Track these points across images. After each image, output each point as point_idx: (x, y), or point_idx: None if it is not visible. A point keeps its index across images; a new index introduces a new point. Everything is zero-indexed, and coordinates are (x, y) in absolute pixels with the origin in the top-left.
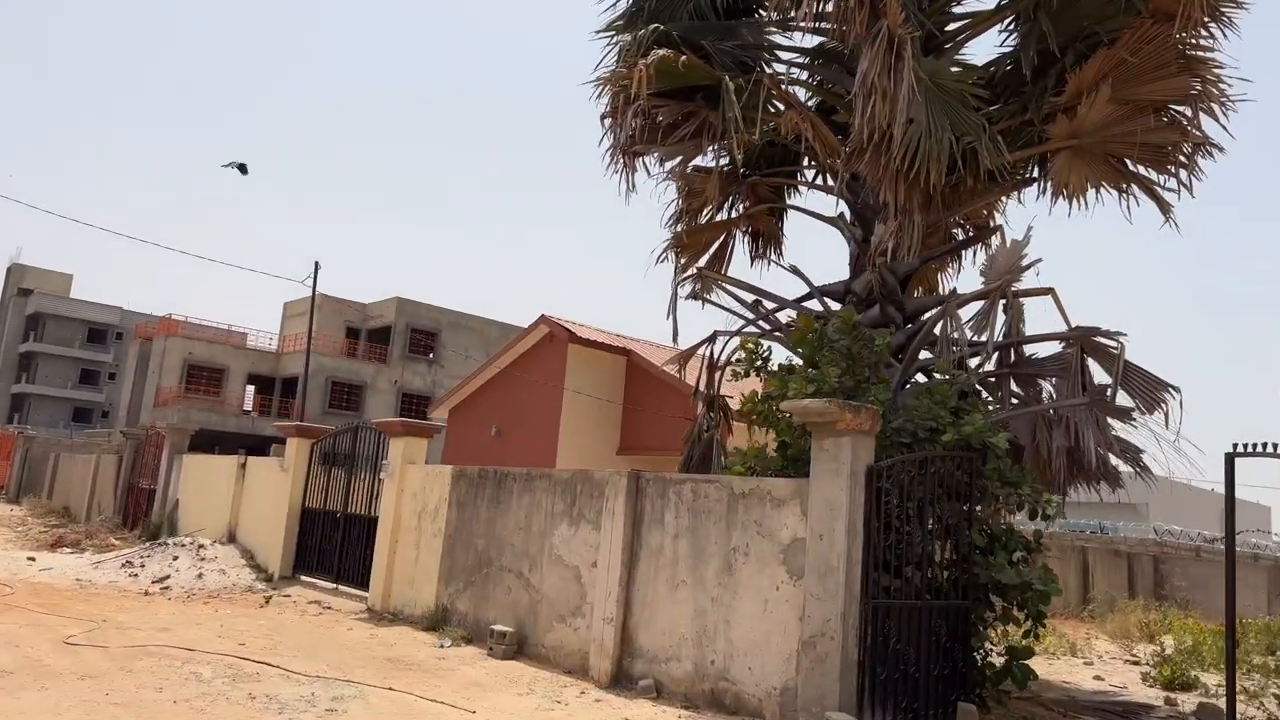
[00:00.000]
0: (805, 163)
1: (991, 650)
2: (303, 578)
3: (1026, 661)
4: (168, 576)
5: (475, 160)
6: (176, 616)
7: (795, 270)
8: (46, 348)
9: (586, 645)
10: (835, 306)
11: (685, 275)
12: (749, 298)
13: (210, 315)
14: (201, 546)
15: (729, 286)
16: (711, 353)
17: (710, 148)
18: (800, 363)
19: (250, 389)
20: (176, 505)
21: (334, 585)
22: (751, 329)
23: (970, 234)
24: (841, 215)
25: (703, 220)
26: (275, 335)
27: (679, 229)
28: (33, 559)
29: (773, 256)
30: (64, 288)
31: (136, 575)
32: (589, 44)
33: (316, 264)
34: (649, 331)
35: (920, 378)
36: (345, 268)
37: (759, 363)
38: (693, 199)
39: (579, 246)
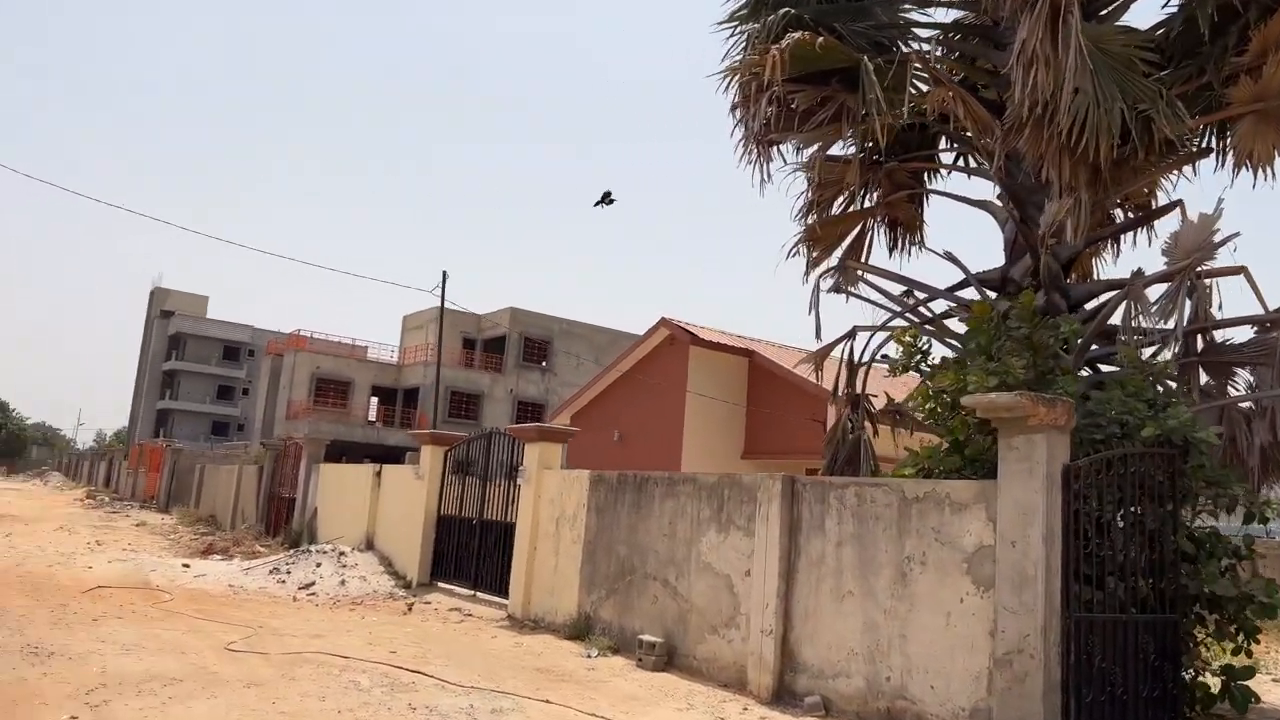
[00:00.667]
0: (946, 145)
1: (1204, 670)
2: (440, 584)
3: (1247, 683)
4: (313, 583)
5: (576, 167)
6: (326, 623)
7: (950, 257)
8: (187, 366)
9: (743, 658)
10: (991, 296)
11: (826, 268)
12: (896, 289)
13: (333, 331)
14: (342, 554)
15: (872, 278)
16: (851, 349)
17: (849, 133)
18: (956, 356)
19: (373, 400)
20: (315, 513)
21: (472, 592)
22: (899, 322)
23: (1132, 215)
24: (999, 197)
25: (835, 211)
26: (395, 348)
27: (810, 221)
28: (187, 566)
29: (912, 246)
30: (200, 309)
31: (284, 582)
32: (703, 43)
33: (444, 273)
34: (763, 333)
35: (1087, 370)
36: (459, 278)
37: (919, 357)
38: (824, 190)
39: (687, 253)
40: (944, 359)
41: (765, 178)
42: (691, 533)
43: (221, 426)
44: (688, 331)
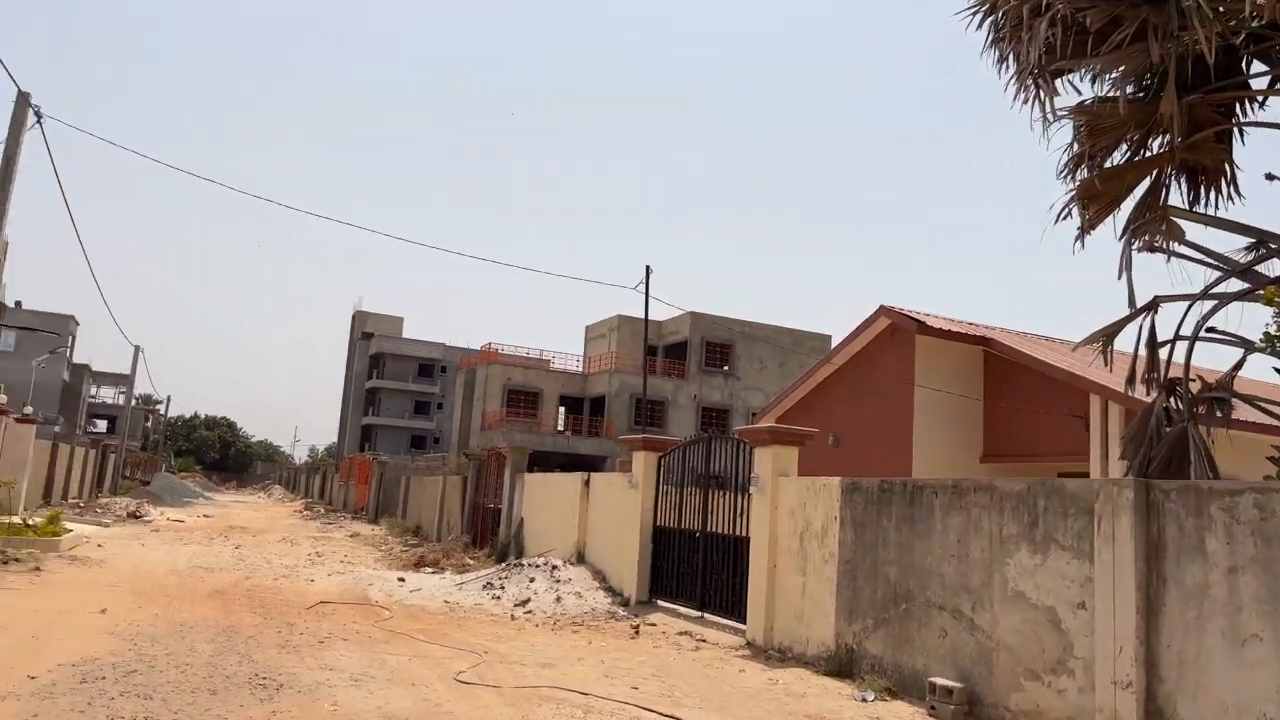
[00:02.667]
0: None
1: None
2: (660, 602)
3: None
4: (528, 600)
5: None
6: (552, 648)
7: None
8: (386, 383)
9: (1085, 714)
10: None
11: (1143, 221)
12: (1234, 244)
13: (519, 343)
14: (555, 568)
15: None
16: (1152, 325)
17: (1157, 54)
18: None
19: (561, 409)
20: (521, 524)
21: (699, 613)
22: (1228, 286)
23: None
24: None
25: (1115, 161)
26: (579, 357)
27: (1083, 177)
28: (402, 580)
29: (1216, 196)
30: (396, 329)
31: (498, 598)
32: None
33: (648, 269)
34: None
35: None
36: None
37: None
38: (1097, 138)
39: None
40: None
41: (1049, 116)
42: (991, 553)
43: (419, 439)
44: (913, 319)
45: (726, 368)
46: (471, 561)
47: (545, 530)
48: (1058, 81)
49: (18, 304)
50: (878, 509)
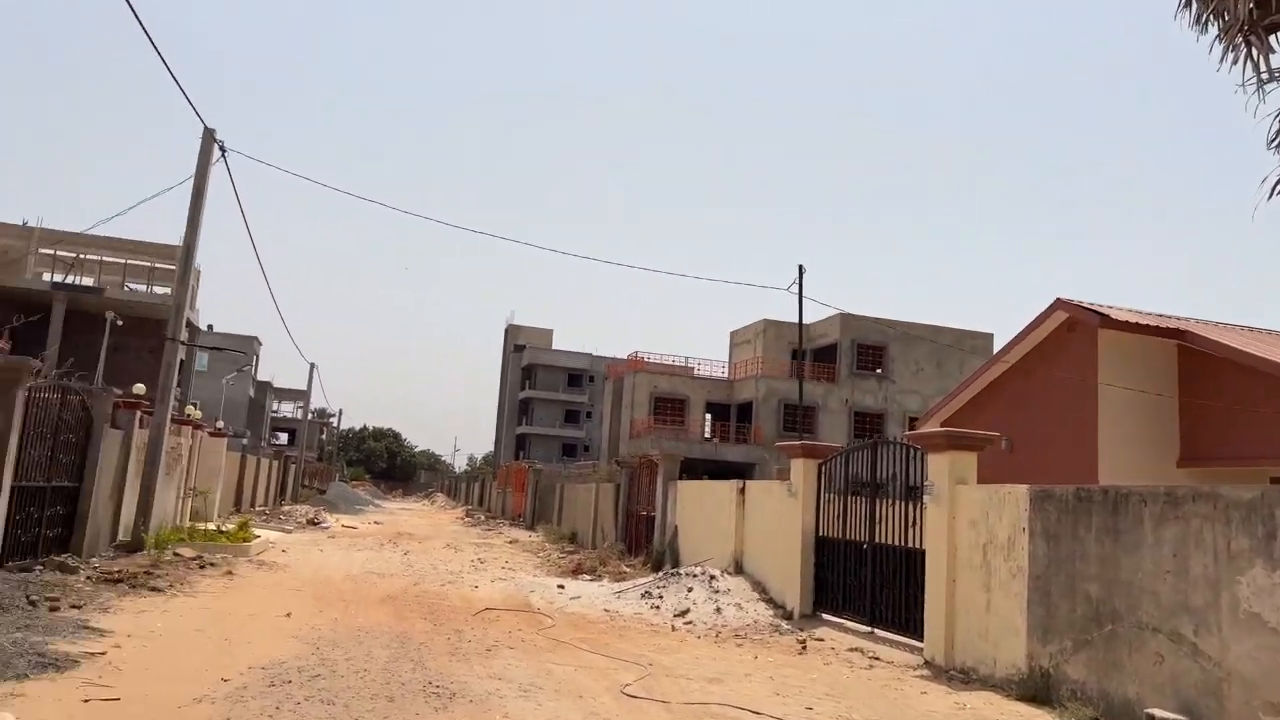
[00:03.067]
0: None
1: None
2: (825, 616)
3: None
4: (687, 610)
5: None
6: (718, 662)
7: None
8: (538, 394)
9: None
10: None
11: None
12: None
13: (664, 351)
14: (713, 578)
15: None
16: None
17: None
18: None
19: (707, 417)
20: (675, 532)
21: (869, 629)
22: None
23: None
24: None
25: None
26: (724, 363)
27: None
28: (562, 586)
29: None
30: (546, 341)
31: (657, 608)
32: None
33: (800, 268)
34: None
35: None
36: (781, 285)
37: None
38: None
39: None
40: None
41: (1263, 76)
42: (1217, 570)
43: (570, 448)
44: (1095, 312)
45: (879, 370)
46: (628, 569)
47: (700, 539)
48: (1272, 38)
49: (209, 327)
50: (1074, 519)
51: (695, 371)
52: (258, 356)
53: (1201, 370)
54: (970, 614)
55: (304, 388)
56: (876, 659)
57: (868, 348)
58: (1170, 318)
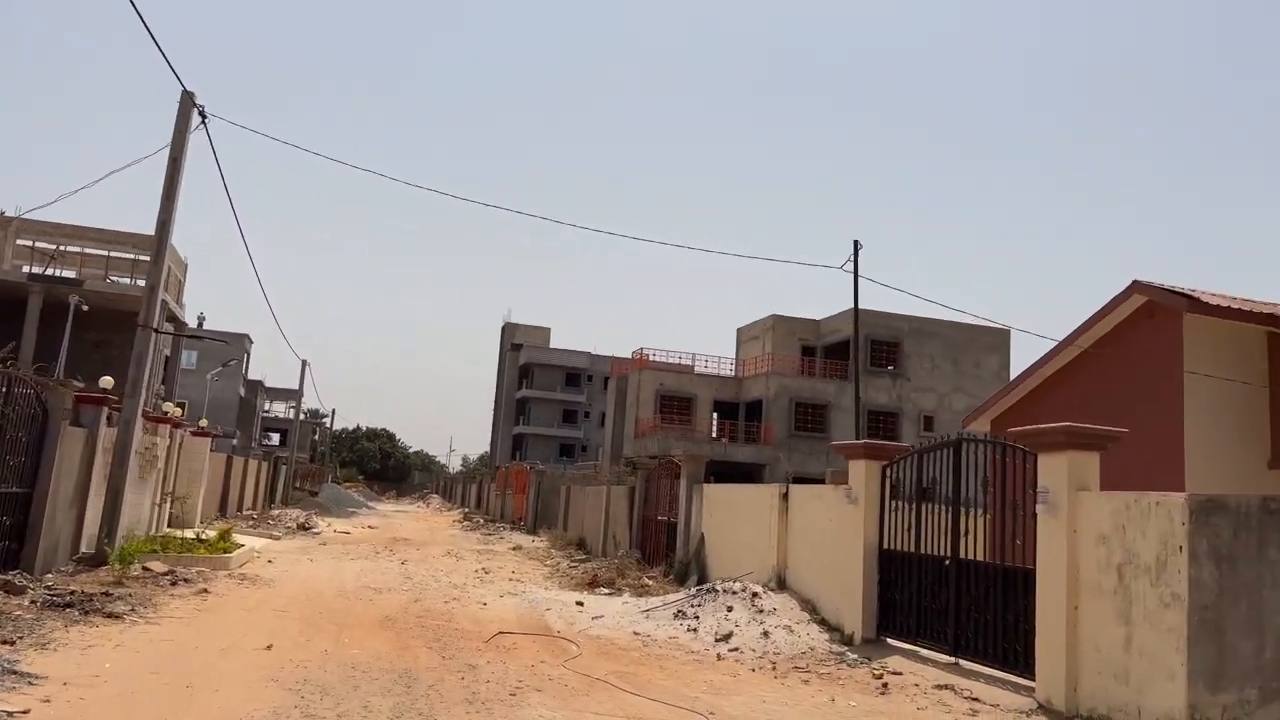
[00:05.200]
0: None
1: None
2: (890, 641)
3: None
4: (730, 634)
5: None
6: (790, 708)
7: None
8: (535, 393)
9: None
10: None
11: None
12: None
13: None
14: (755, 595)
15: None
16: None
17: None
18: None
19: (714, 415)
20: (702, 541)
21: (951, 659)
22: None
23: None
24: None
25: None
26: (731, 360)
27: None
28: (580, 603)
29: None
30: (544, 340)
31: (694, 630)
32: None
33: (856, 243)
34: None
35: None
36: (796, 283)
37: None
38: None
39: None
40: None
41: None
42: None
43: (567, 448)
44: (1180, 295)
45: (893, 367)
46: (649, 582)
47: (732, 549)
48: None
49: (200, 322)
50: (1258, 537)
51: (698, 369)
52: (249, 355)
53: None
54: (1101, 650)
55: (296, 387)
56: (976, 700)
57: (881, 344)
58: (1257, 302)
